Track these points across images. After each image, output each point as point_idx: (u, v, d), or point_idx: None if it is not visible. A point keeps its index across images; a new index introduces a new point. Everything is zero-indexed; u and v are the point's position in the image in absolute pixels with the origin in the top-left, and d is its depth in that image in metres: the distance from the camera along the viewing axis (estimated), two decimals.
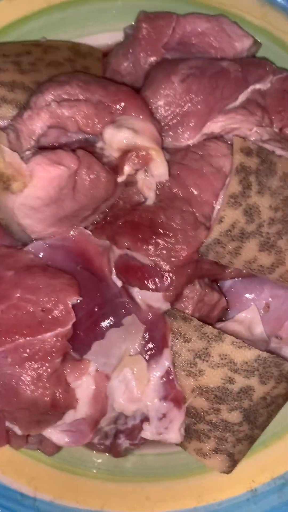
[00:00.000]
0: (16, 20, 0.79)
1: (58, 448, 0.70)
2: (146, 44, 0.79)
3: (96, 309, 0.69)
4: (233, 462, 0.69)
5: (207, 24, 0.79)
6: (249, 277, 0.76)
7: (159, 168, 0.69)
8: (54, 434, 0.68)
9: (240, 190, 0.67)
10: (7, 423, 0.67)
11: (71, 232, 0.71)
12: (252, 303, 0.76)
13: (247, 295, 0.76)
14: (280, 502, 0.69)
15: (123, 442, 0.69)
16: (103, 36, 0.84)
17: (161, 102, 0.73)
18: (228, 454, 0.69)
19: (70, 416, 0.67)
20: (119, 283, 0.69)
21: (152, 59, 0.79)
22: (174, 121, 0.73)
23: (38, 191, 0.64)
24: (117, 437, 0.70)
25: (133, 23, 0.82)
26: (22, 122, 0.68)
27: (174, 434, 0.66)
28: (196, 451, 0.68)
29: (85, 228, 0.71)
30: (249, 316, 0.75)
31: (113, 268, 0.70)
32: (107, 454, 0.74)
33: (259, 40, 0.82)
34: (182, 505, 0.70)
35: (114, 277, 0.70)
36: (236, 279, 0.77)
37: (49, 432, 0.67)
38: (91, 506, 0.69)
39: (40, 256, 0.70)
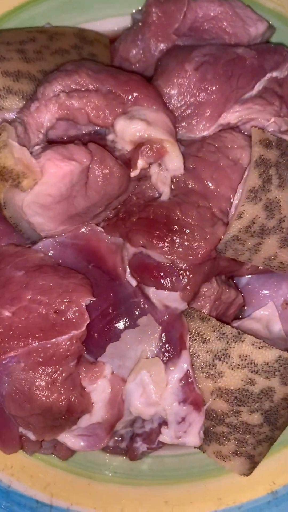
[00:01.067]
0: (19, 5, 0.75)
1: (72, 452, 0.68)
2: (157, 30, 0.75)
3: (110, 310, 0.66)
4: (253, 464, 0.68)
5: (220, 8, 0.75)
6: (266, 273, 0.73)
7: (174, 162, 0.66)
8: (69, 438, 0.65)
9: (260, 184, 0.64)
10: (21, 429, 0.65)
11: (82, 230, 0.68)
12: (269, 300, 0.73)
13: (265, 292, 0.74)
14: None
15: (140, 446, 0.67)
16: (110, 21, 0.80)
17: (174, 92, 0.70)
18: (248, 456, 0.67)
19: (85, 421, 0.64)
20: (133, 282, 0.67)
21: (163, 45, 0.75)
22: (188, 111, 0.70)
23: (49, 188, 0.60)
24: (133, 440, 0.68)
25: (140, 8, 0.79)
26: (30, 115, 0.64)
27: (193, 437, 0.64)
28: (216, 454, 0.66)
29: (97, 225, 0.68)
30: (267, 313, 0.73)
31: (127, 267, 0.67)
32: (123, 457, 0.72)
33: (273, 25, 0.78)
34: (202, 509, 0.68)
35: (128, 276, 0.67)
36: (253, 275, 0.74)
37: (64, 436, 0.65)
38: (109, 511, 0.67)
39: (50, 254, 0.68)
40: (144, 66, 0.77)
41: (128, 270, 0.67)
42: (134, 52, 0.77)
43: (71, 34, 0.76)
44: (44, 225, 0.65)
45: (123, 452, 0.70)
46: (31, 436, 0.64)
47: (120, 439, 0.69)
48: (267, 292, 0.74)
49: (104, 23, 0.80)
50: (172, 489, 0.70)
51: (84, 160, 0.61)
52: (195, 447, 0.67)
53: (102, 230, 0.68)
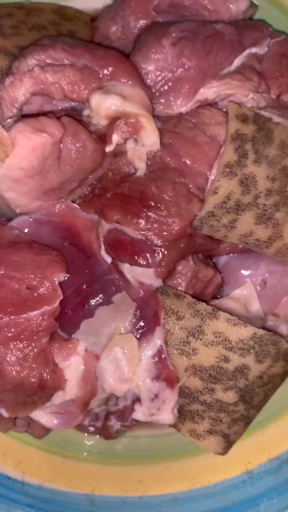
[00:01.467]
0: None
1: (47, 430, 0.68)
2: (136, 7, 0.74)
3: (84, 287, 0.66)
4: (228, 444, 0.67)
5: None
6: (245, 252, 0.73)
7: (150, 137, 0.66)
8: (43, 416, 0.65)
9: (235, 159, 0.63)
10: None
11: (58, 206, 0.67)
12: (248, 280, 0.73)
13: (243, 272, 0.73)
14: (276, 483, 0.67)
15: (114, 424, 0.67)
16: None
17: (151, 67, 0.69)
18: (223, 435, 0.66)
19: (58, 398, 0.64)
20: (108, 259, 0.66)
21: (143, 22, 0.74)
22: (166, 87, 0.69)
23: (21, 160, 0.60)
24: (108, 418, 0.68)
25: None
26: (4, 89, 0.64)
27: (167, 415, 0.64)
28: (190, 433, 0.66)
29: (73, 201, 0.68)
30: (245, 293, 0.72)
31: (102, 244, 0.67)
32: (98, 436, 0.71)
33: (255, 2, 0.77)
34: (176, 488, 0.68)
35: (103, 253, 0.66)
36: (231, 255, 0.73)
37: (38, 414, 0.65)
38: (81, 490, 0.67)
39: (25, 231, 0.67)
40: (124, 43, 0.76)
41: (103, 247, 0.67)
42: (113, 29, 0.76)
43: (50, 11, 0.75)
44: (17, 201, 0.65)
45: (98, 432, 0.70)
46: (4, 413, 0.64)
47: (95, 418, 0.69)
48: (246, 271, 0.73)
49: (85, 1, 0.80)
50: (147, 468, 0.69)
51: (56, 133, 0.60)
52: (170, 426, 0.66)
53: (78, 207, 0.68)
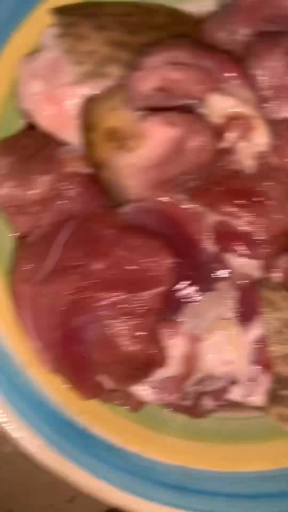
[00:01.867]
0: None
1: (142, 404, 0.72)
2: (246, 15, 0.79)
3: (190, 273, 0.70)
4: None
5: None
6: None
7: (261, 138, 0.70)
8: (141, 390, 0.69)
9: None
10: (97, 378, 0.69)
11: (167, 197, 0.72)
12: None
13: None
14: None
15: (207, 403, 0.71)
16: (198, 3, 0.84)
17: (261, 73, 0.73)
18: None
19: (159, 374, 0.69)
20: (213, 249, 0.71)
21: (250, 30, 0.79)
22: (274, 93, 0.73)
23: (150, 151, 0.65)
24: (200, 398, 0.72)
25: None
26: (132, 83, 0.68)
27: (259, 397, 0.69)
28: (278, 416, 0.70)
29: (180, 193, 0.72)
30: None
31: (208, 234, 0.71)
32: (185, 414, 0.75)
33: None
34: (259, 466, 0.72)
35: (208, 242, 0.71)
36: None
37: (137, 388, 0.69)
38: (174, 461, 0.71)
39: (136, 217, 0.72)
40: (230, 48, 0.80)
41: (208, 237, 0.71)
42: (221, 34, 0.80)
43: (164, 12, 0.80)
44: (135, 188, 0.69)
45: (188, 410, 0.74)
46: (109, 384, 0.68)
47: (186, 396, 0.73)
48: None
49: (193, 5, 0.84)
50: (231, 447, 0.74)
51: (183, 128, 0.65)
52: (259, 409, 0.71)
53: (185, 198, 0.72)
